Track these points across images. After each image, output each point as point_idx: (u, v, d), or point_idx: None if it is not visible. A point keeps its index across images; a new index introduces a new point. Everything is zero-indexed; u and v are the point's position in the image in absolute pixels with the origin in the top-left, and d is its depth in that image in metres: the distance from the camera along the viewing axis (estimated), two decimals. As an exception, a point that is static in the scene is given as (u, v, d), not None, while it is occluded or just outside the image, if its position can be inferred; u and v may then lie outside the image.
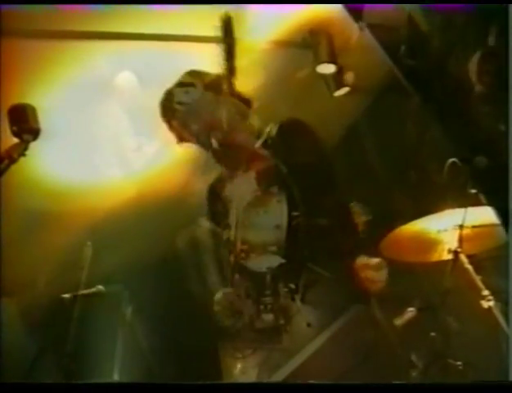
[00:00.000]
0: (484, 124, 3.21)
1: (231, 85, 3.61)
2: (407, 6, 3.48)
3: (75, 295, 4.47)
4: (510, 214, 2.77)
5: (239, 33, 4.30)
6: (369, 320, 3.65)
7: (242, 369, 3.52)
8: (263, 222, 3.59)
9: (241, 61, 4.54)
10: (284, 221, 3.58)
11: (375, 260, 3.61)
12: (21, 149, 2.95)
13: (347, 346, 3.56)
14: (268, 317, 3.44)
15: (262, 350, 3.52)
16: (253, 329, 3.46)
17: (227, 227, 3.64)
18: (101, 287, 4.54)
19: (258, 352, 3.52)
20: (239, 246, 3.53)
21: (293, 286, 3.54)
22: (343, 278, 3.57)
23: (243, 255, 3.52)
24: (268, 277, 3.47)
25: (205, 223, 3.81)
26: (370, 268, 3.58)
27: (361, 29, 3.41)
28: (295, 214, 3.60)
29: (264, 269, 3.49)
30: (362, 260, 3.60)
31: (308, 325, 3.50)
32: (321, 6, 4.45)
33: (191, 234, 3.81)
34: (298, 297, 3.54)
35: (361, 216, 3.71)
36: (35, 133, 2.99)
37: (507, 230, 3.25)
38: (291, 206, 3.61)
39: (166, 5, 3.73)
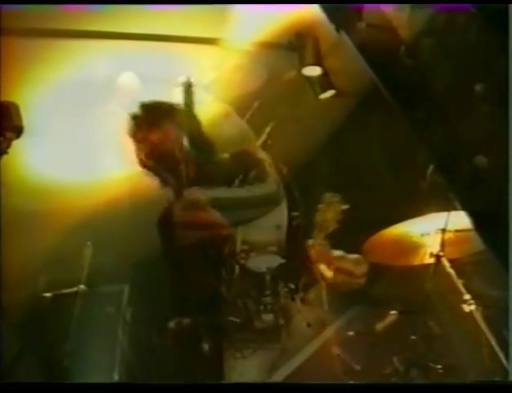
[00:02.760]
0: (484, 124, 3.22)
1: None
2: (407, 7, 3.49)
3: (56, 294, 4.43)
4: (510, 216, 2.77)
5: (225, 34, 4.30)
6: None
7: (242, 369, 3.50)
8: (263, 222, 3.58)
9: (227, 63, 4.55)
10: (284, 221, 3.58)
11: (355, 255, 3.63)
12: (4, 147, 2.93)
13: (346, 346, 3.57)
14: (268, 317, 3.42)
15: (262, 350, 3.51)
16: (253, 329, 3.44)
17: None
18: (82, 287, 4.48)
19: (258, 352, 3.51)
20: (239, 245, 3.52)
21: (293, 286, 3.55)
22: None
23: (243, 255, 3.51)
24: (268, 277, 3.46)
25: None
26: (349, 260, 3.59)
27: (338, 31, 3.39)
28: (295, 214, 3.61)
29: (264, 269, 3.47)
30: (338, 253, 3.62)
31: (308, 325, 3.50)
32: (307, 8, 4.44)
33: None
34: (298, 297, 3.54)
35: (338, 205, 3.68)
36: (18, 131, 2.97)
37: (500, 233, 3.23)
38: (291, 206, 3.61)
39: (166, 5, 3.71)
